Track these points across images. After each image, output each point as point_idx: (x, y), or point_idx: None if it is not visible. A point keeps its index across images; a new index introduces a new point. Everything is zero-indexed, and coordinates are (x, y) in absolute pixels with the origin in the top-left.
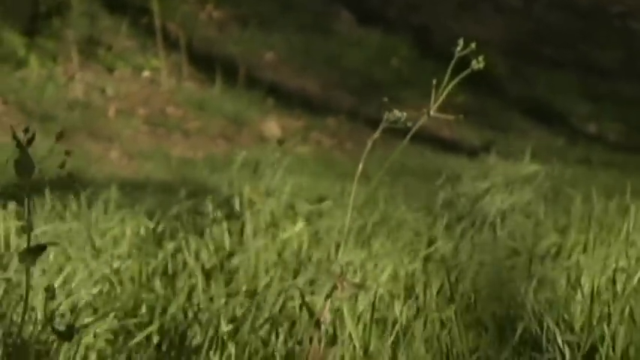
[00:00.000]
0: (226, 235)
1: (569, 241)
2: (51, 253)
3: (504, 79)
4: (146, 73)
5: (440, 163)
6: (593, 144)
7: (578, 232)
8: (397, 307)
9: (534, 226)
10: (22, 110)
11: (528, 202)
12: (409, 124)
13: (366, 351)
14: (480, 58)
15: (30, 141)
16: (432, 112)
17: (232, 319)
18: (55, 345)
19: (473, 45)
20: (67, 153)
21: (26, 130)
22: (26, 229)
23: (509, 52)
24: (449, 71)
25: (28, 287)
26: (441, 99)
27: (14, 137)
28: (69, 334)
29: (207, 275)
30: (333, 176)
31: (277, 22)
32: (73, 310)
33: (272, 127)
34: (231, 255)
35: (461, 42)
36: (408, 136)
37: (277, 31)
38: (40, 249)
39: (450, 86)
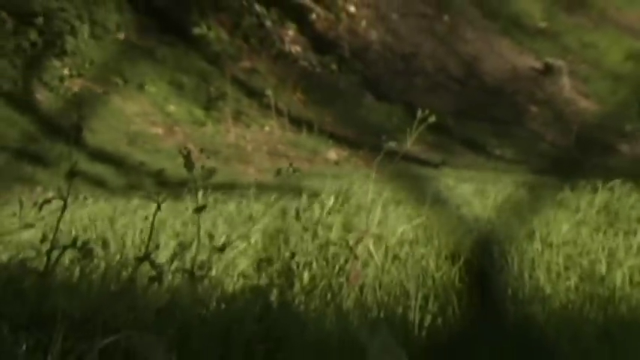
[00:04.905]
0: (315, 211)
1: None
2: (219, 222)
3: (451, 127)
4: (267, 128)
5: (419, 171)
6: (499, 160)
7: (495, 207)
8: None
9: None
10: (202, 151)
11: (467, 189)
12: (399, 150)
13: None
14: (433, 117)
15: (188, 154)
16: (408, 145)
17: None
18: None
19: (427, 111)
20: (211, 171)
21: (187, 149)
22: (194, 196)
23: (454, 113)
24: (415, 124)
25: (199, 229)
26: (412, 139)
27: (180, 152)
28: (223, 248)
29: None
30: (364, 180)
31: (333, 102)
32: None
33: (332, 154)
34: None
35: (419, 112)
36: (398, 157)
37: (333, 106)
38: (202, 208)
39: (416, 134)
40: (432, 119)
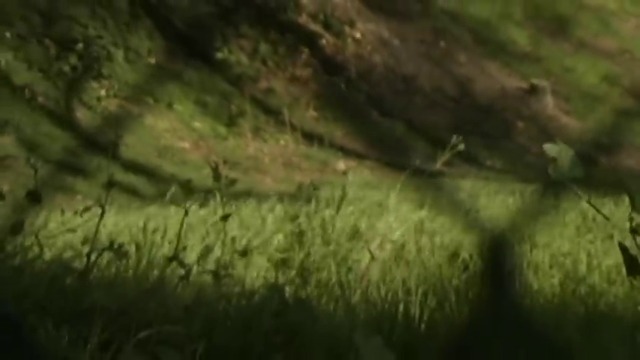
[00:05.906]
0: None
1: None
2: (241, 226)
3: (447, 141)
4: (282, 142)
5: (419, 180)
6: (490, 170)
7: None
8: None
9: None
10: (230, 160)
11: (462, 196)
12: (426, 168)
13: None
14: (462, 144)
15: (217, 167)
16: (437, 165)
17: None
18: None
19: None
20: (233, 181)
21: (215, 162)
22: (222, 206)
23: (450, 128)
24: (448, 149)
25: (225, 232)
26: (444, 158)
27: (209, 164)
28: (244, 252)
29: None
30: (370, 188)
31: (342, 118)
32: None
33: (341, 165)
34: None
35: (453, 137)
36: (428, 173)
37: (341, 122)
38: (227, 215)
39: (447, 156)
40: (462, 147)
